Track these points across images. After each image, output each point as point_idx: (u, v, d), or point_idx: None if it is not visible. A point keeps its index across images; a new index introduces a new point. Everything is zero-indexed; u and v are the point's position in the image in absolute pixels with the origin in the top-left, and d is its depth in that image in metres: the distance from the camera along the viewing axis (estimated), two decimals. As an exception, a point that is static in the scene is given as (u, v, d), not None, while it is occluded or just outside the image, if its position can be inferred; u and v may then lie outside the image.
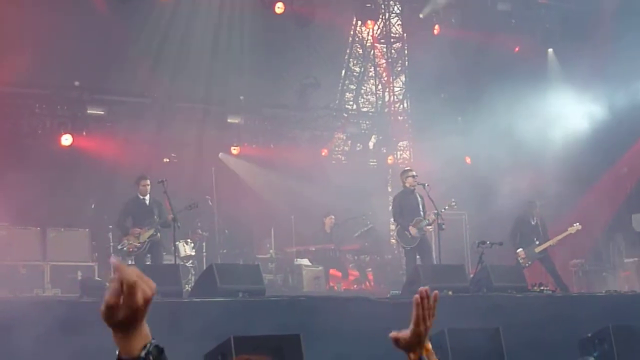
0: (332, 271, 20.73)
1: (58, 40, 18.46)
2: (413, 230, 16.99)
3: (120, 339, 2.60)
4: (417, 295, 3.43)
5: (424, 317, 3.42)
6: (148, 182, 16.81)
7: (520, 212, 18.74)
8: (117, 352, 2.61)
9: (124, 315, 2.56)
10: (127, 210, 17.01)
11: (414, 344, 3.42)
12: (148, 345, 2.59)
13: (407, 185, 17.49)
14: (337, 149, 25.43)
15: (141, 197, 16.82)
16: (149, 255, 16.81)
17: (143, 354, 2.58)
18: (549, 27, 24.28)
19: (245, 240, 20.87)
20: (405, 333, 3.43)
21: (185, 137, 21.50)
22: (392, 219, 20.14)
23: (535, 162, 22.48)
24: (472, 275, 16.11)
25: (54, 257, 17.74)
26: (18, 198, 17.42)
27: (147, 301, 2.57)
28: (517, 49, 24.33)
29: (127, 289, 2.54)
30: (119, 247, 16.80)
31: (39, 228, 18.04)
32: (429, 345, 3.42)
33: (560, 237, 18.36)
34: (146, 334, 2.61)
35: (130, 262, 16.97)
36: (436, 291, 3.49)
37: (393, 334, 3.42)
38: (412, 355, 3.40)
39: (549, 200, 20.19)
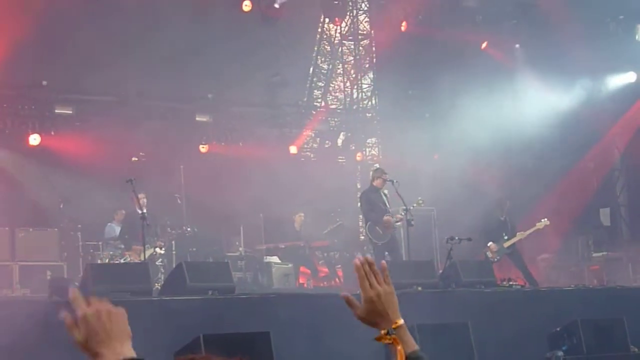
0: (301, 268, 20.72)
1: (25, 40, 18.34)
2: (387, 219, 17.02)
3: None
4: (356, 260, 3.31)
5: (370, 281, 3.27)
6: (143, 195, 16.75)
7: (489, 208, 18.82)
8: None
9: (82, 333, 2.64)
10: (128, 226, 17.20)
11: (374, 314, 3.28)
12: None
13: (376, 184, 17.56)
14: (305, 146, 25.42)
15: (140, 213, 16.65)
16: None
17: None
18: (515, 23, 24.40)
19: (215, 238, 20.82)
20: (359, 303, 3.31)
21: (153, 136, 21.37)
22: (360, 216, 20.18)
23: (503, 157, 22.61)
24: (441, 271, 16.16)
25: (23, 257, 17.73)
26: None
27: (98, 313, 2.64)
28: (484, 45, 24.42)
29: (74, 303, 2.65)
30: (122, 260, 16.80)
31: (7, 228, 18.01)
32: (400, 321, 3.27)
33: (528, 232, 18.46)
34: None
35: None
36: (383, 261, 3.43)
37: (345, 294, 3.32)
38: (381, 332, 3.27)
39: (516, 195, 20.27)
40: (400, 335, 3.23)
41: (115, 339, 2.61)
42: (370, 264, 3.30)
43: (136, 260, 16.42)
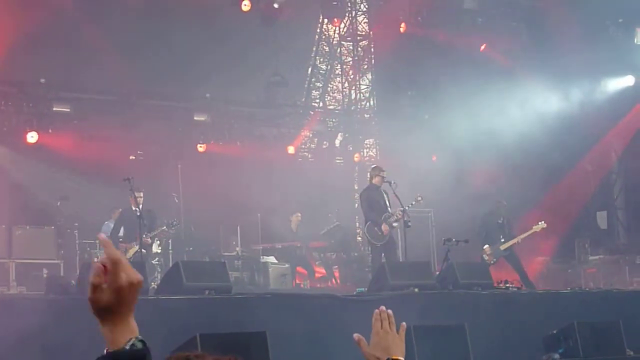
0: (298, 269, 20.72)
1: (24, 37, 18.34)
2: (384, 227, 16.99)
3: (107, 330, 2.64)
4: (377, 310, 3.72)
5: (381, 324, 3.69)
6: (141, 193, 16.72)
7: (487, 210, 18.82)
8: (105, 350, 2.65)
9: (108, 299, 2.61)
10: (121, 223, 17.06)
11: (378, 347, 3.65)
12: (133, 339, 2.62)
13: (375, 182, 17.49)
14: (303, 146, 25.42)
15: (134, 209, 16.65)
16: None
17: (128, 346, 2.61)
18: (515, 25, 24.41)
19: (212, 238, 20.83)
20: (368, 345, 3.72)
21: (151, 135, 21.40)
22: (357, 217, 20.15)
23: (501, 159, 22.59)
24: (438, 273, 16.16)
25: (20, 254, 17.71)
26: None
27: (132, 285, 2.63)
28: (483, 46, 24.42)
29: (111, 267, 2.60)
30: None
31: (4, 226, 17.99)
32: (401, 358, 3.62)
33: (525, 234, 18.43)
34: (133, 328, 2.65)
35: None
36: (403, 323, 3.76)
37: (357, 336, 3.68)
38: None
39: (514, 198, 20.26)
40: None
41: (131, 310, 2.65)
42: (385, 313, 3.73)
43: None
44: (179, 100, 22.27)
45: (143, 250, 16.39)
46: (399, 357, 3.59)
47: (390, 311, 3.72)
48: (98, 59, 20.20)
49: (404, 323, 3.72)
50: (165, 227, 17.23)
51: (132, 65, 20.65)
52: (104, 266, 2.60)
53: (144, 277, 12.77)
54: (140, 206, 16.28)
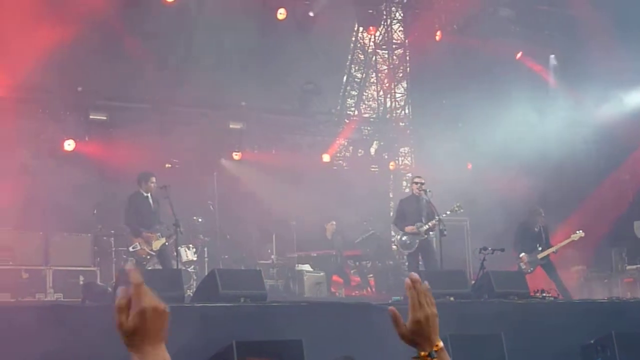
0: (334, 277, 20.71)
1: (62, 46, 18.42)
2: (409, 229, 17.00)
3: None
4: (407, 279, 3.28)
5: (420, 302, 3.27)
6: (154, 179, 16.65)
7: (523, 218, 18.69)
8: None
9: (132, 322, 2.57)
10: (134, 207, 16.74)
11: (418, 334, 3.25)
12: None
13: (414, 191, 17.55)
14: (338, 154, 25.42)
15: (145, 195, 16.68)
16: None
17: None
18: (550, 34, 24.28)
19: (247, 246, 20.85)
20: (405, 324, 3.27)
21: (187, 143, 21.44)
22: (392, 225, 20.13)
23: (538, 168, 22.45)
24: (473, 282, 16.05)
25: (57, 261, 17.72)
26: (21, 202, 17.43)
27: (156, 310, 2.58)
28: (518, 55, 24.31)
29: (134, 290, 2.58)
30: (131, 248, 16.58)
31: (41, 233, 18.00)
32: (440, 343, 3.24)
33: (562, 243, 18.29)
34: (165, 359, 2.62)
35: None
36: (426, 282, 3.33)
37: (392, 309, 3.25)
38: (421, 353, 3.23)
39: (551, 206, 20.12)
40: (441, 357, 3.22)
41: (160, 339, 2.61)
42: (418, 283, 3.29)
43: (146, 249, 16.39)
44: (215, 108, 22.26)
45: (167, 243, 16.38)
46: (440, 344, 3.23)
47: (427, 284, 3.34)
48: (134, 67, 20.30)
49: (426, 283, 3.35)
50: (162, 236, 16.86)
51: (168, 74, 20.74)
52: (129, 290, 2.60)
53: (179, 285, 12.86)
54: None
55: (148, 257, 16.41)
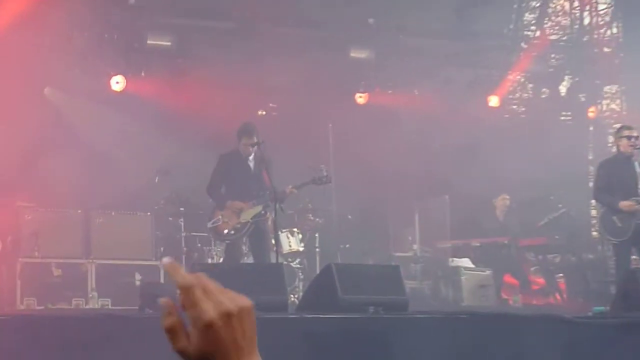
0: (506, 277, 20.64)
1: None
2: (626, 205, 16.77)
3: None
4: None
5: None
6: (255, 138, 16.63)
7: None
8: None
9: (199, 346, 2.47)
10: (224, 171, 16.87)
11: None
12: None
13: (622, 149, 17.29)
14: (512, 96, 25.24)
15: (243, 157, 16.79)
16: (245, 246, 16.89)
17: None
18: None
19: (378, 231, 20.88)
20: None
21: (289, 79, 21.44)
22: (593, 201, 19.88)
23: None
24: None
25: (102, 252, 18.09)
26: (49, 167, 17.71)
27: (229, 316, 2.47)
28: None
29: (186, 300, 2.47)
30: (210, 224, 16.74)
31: (80, 211, 18.36)
32: None
33: None
34: None
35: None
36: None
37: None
38: None
39: None
40: None
41: (249, 353, 2.52)
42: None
43: (231, 223, 16.42)
44: (329, 29, 22.21)
45: (264, 212, 16.47)
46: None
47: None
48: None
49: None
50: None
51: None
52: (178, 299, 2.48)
53: (280, 286, 12.92)
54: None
55: (233, 232, 16.48)
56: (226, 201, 16.60)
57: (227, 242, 16.72)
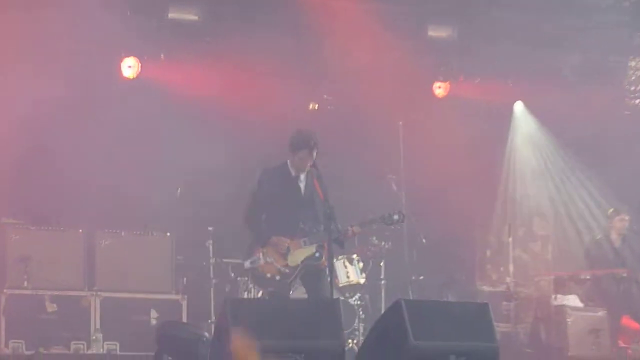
0: (624, 319, 20.43)
1: None
2: None
3: None
4: None
5: None
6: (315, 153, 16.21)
7: None
8: None
9: None
10: (268, 193, 16.39)
11: None
12: None
13: None
14: (633, 87, 24.90)
15: (294, 175, 16.37)
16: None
17: None
18: None
19: (461, 258, 20.74)
20: None
21: (347, 65, 21.22)
22: None
23: None
24: None
25: (108, 283, 18.19)
26: (45, 179, 17.63)
27: None
28: None
29: None
30: (248, 264, 16.33)
31: (80, 230, 18.36)
32: None
33: None
34: None
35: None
36: None
37: None
38: None
39: None
40: None
41: None
42: None
43: (276, 265, 16.02)
44: (401, 0, 21.96)
45: (318, 255, 16.09)
46: None
47: None
48: None
49: None
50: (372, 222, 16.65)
51: None
52: None
53: (335, 327, 12.59)
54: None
55: (278, 278, 16.11)
56: (270, 236, 16.17)
57: (270, 289, 16.23)
